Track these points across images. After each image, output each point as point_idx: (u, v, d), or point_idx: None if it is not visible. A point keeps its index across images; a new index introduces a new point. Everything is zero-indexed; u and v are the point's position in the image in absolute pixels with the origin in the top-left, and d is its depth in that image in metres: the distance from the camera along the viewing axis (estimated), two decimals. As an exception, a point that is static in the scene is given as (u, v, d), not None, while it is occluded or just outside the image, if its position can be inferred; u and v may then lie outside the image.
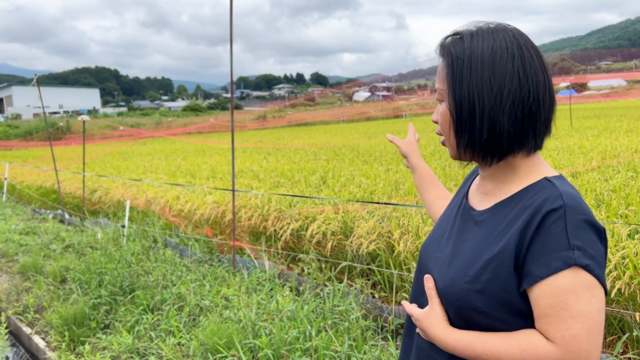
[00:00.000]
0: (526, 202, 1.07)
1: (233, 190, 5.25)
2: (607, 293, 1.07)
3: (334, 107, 63.59)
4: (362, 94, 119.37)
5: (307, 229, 5.35)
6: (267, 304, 4.07)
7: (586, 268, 0.98)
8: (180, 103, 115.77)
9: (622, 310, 3.19)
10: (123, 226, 6.65)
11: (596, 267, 0.99)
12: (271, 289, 4.57)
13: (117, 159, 15.94)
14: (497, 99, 1.07)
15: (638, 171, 6.66)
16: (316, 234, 5.21)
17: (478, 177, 1.28)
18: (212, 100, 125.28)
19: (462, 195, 1.31)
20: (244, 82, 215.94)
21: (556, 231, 1.00)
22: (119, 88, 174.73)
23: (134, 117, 60.77)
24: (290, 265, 5.39)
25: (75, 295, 4.88)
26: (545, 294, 1.00)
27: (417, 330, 1.23)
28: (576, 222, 1.01)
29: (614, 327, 3.40)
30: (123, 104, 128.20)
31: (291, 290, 4.55)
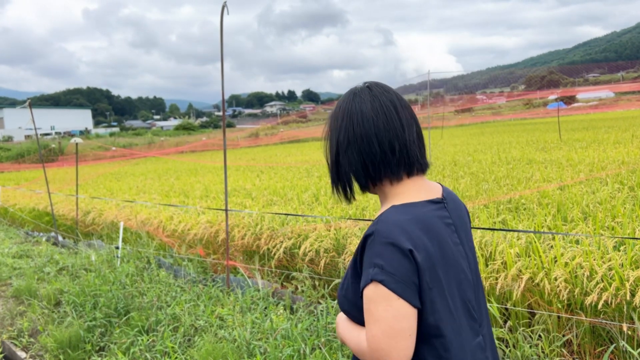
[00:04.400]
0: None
1: (226, 210, 5.31)
2: (418, 305, 1.23)
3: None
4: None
5: (300, 247, 5.40)
6: (261, 323, 4.11)
7: (382, 283, 1.20)
8: (173, 122, 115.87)
9: (608, 322, 3.26)
10: (117, 247, 6.67)
11: (391, 282, 1.20)
12: (265, 308, 4.61)
13: (110, 179, 15.95)
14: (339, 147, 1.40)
15: (624, 183, 6.78)
16: (309, 251, 5.26)
17: None
18: (205, 119, 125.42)
19: None
20: (235, 100, 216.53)
21: (369, 252, 1.25)
22: (110, 108, 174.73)
23: (127, 137, 60.76)
24: (284, 283, 5.43)
25: (70, 318, 4.89)
26: (363, 301, 1.26)
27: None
28: (381, 244, 1.23)
29: (603, 339, 3.46)
30: (115, 124, 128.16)
31: (285, 309, 4.58)
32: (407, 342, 1.21)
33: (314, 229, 5.59)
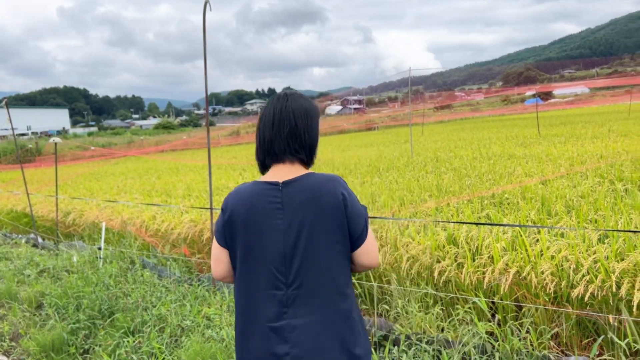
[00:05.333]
0: None
1: (211, 209, 5.25)
2: (224, 245, 1.81)
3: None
4: (334, 108, 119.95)
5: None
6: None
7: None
8: (152, 121, 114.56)
9: (595, 314, 3.30)
10: (99, 248, 6.56)
11: (215, 230, 1.84)
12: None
13: (90, 180, 15.70)
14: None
15: (604, 177, 6.88)
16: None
17: None
18: (184, 118, 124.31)
19: None
20: (215, 98, 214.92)
21: None
22: (88, 108, 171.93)
23: (105, 136, 59.88)
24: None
25: (53, 320, 4.79)
26: None
27: None
28: None
29: (589, 330, 3.51)
30: (93, 123, 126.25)
31: (273, 307, 4.55)
32: (219, 265, 1.84)
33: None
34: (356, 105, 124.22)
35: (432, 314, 3.91)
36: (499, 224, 4.37)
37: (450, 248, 4.24)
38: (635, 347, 3.02)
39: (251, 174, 12.87)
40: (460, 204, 5.74)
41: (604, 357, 3.10)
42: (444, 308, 4.02)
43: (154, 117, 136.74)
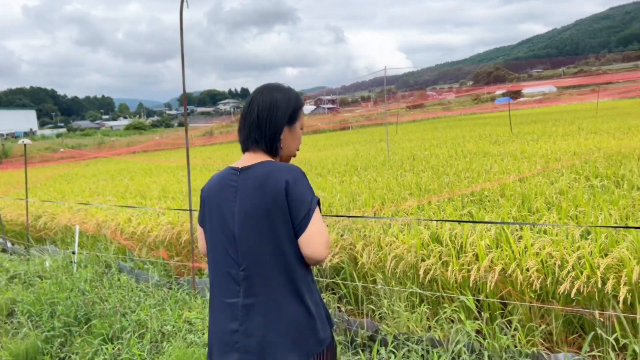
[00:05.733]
0: None
1: (190, 210, 5.13)
2: (202, 225, 2.02)
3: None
4: (308, 107, 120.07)
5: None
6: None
7: None
8: (123, 122, 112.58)
9: (583, 310, 3.32)
10: (73, 252, 6.36)
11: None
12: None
13: (60, 182, 15.29)
14: None
15: (580, 173, 6.99)
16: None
17: None
18: (156, 118, 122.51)
19: None
20: (187, 98, 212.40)
21: None
22: (56, 109, 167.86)
23: (75, 138, 58.55)
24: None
25: (26, 329, 4.61)
26: None
27: None
28: None
29: (574, 326, 3.53)
30: (62, 124, 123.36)
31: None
32: (200, 242, 2.05)
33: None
34: (330, 105, 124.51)
35: (419, 313, 3.88)
36: (484, 221, 4.37)
37: (434, 246, 4.22)
38: (622, 342, 3.04)
39: (227, 174, 12.71)
40: (441, 202, 5.75)
41: (593, 353, 3.11)
42: (430, 307, 4.00)
43: (125, 117, 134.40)
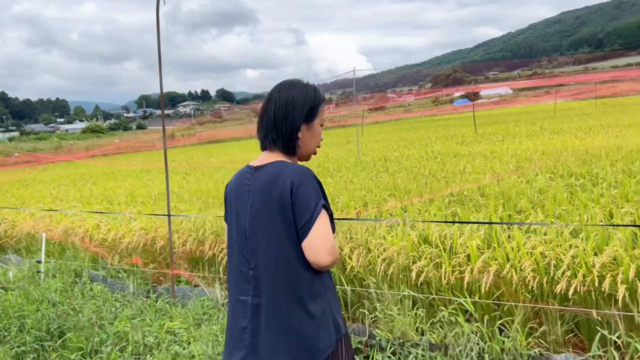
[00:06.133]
0: None
1: (169, 215, 4.92)
2: (226, 221, 2.02)
3: (244, 124, 62.99)
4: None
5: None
6: (222, 334, 3.81)
7: None
8: (79, 125, 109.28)
9: (578, 309, 3.30)
10: (39, 261, 6.03)
11: None
12: (224, 318, 4.30)
13: (18, 187, 14.62)
14: None
15: (554, 172, 7.09)
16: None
17: None
18: (113, 121, 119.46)
19: None
20: (146, 101, 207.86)
21: None
22: (7, 112, 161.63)
23: (29, 141, 56.41)
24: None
25: (-7, 345, 4.31)
26: None
27: None
28: None
29: (571, 326, 3.51)
30: (14, 128, 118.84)
31: (242, 317, 4.30)
32: (225, 237, 2.04)
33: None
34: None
35: (412, 316, 3.81)
36: (485, 222, 4.34)
37: (425, 248, 4.16)
38: (622, 340, 3.04)
39: (195, 177, 12.45)
40: (423, 203, 5.71)
41: (592, 353, 3.09)
42: (425, 310, 3.93)
43: (81, 121, 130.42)
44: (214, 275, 5.32)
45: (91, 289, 5.26)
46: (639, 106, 27.47)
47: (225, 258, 5.23)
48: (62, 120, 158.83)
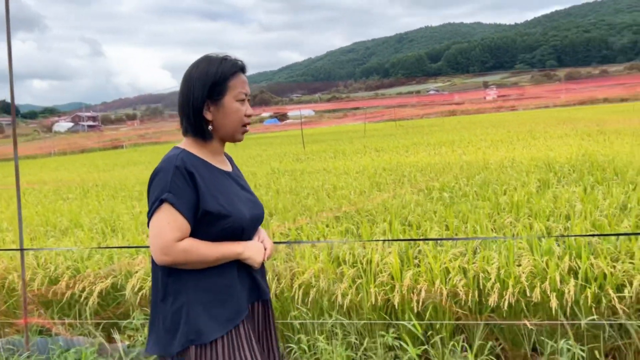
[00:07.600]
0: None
1: (22, 250, 3.88)
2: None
3: (35, 140, 56.61)
4: (63, 125, 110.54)
5: (125, 288, 4.30)
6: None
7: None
8: None
9: (547, 322, 3.36)
10: None
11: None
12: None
13: None
14: None
15: (421, 188, 7.37)
16: (139, 291, 4.24)
17: (211, 157, 1.86)
18: None
19: (216, 171, 1.84)
20: None
21: None
22: None
23: None
24: (113, 336, 4.25)
25: None
26: None
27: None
28: None
29: (505, 338, 3.56)
30: None
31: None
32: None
33: (139, 262, 4.54)
34: (90, 122, 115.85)
35: (342, 345, 3.51)
36: (410, 239, 4.21)
37: (346, 269, 3.90)
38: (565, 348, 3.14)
39: (4, 202, 10.44)
40: (318, 223, 5.46)
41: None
42: (356, 337, 3.65)
43: None
44: (74, 320, 4.36)
45: None
46: (430, 128, 31.23)
47: (91, 299, 4.33)
48: None
